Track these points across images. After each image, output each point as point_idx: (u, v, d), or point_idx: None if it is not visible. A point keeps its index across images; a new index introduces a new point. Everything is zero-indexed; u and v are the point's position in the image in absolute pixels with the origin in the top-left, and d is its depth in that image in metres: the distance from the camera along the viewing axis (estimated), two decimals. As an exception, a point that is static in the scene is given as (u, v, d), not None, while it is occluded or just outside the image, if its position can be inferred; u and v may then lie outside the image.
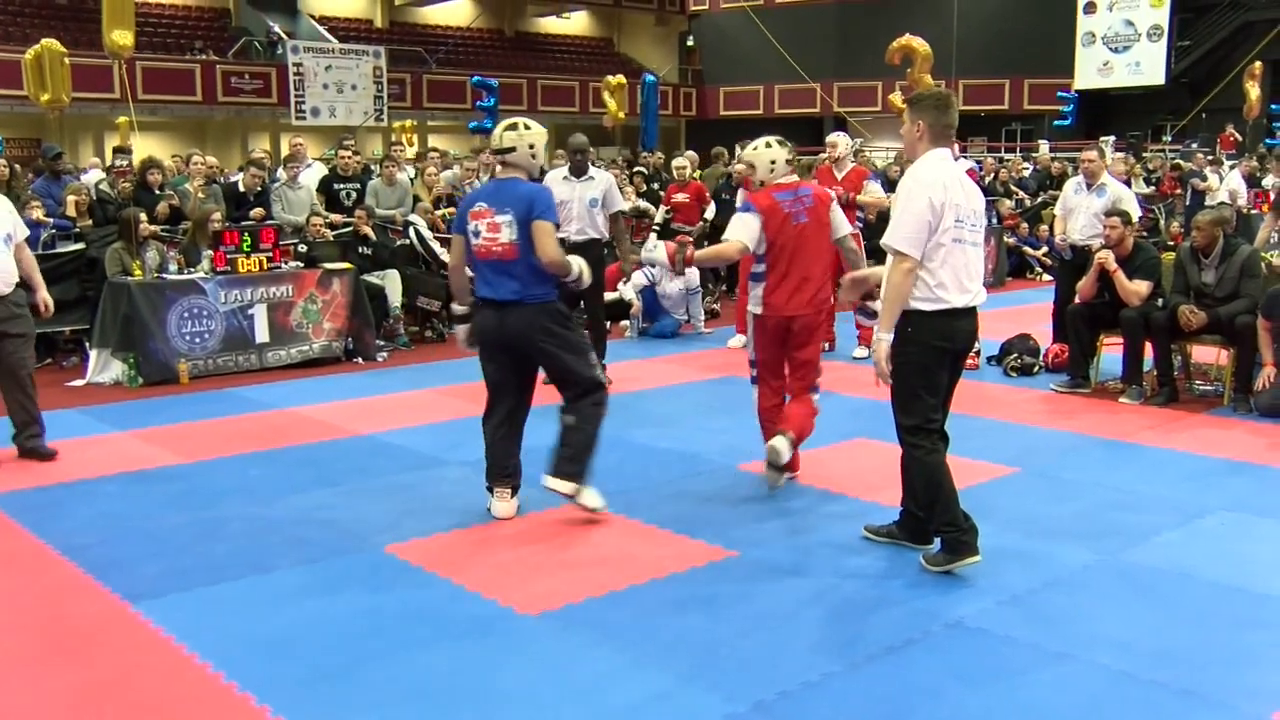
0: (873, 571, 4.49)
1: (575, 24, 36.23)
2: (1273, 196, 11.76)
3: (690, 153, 13.66)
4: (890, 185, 14.09)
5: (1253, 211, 13.80)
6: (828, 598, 4.23)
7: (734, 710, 3.34)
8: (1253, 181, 15.66)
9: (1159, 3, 28.33)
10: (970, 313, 4.42)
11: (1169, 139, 26.22)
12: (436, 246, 10.40)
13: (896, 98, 19.65)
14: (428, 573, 4.51)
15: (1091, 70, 29.04)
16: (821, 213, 5.54)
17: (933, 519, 4.45)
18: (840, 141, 9.51)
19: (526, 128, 5.16)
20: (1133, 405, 7.39)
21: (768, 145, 5.68)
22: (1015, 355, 8.60)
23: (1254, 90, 23.42)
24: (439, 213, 11.26)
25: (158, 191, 10.15)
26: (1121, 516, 5.15)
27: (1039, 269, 15.15)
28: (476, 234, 5.07)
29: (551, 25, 35.77)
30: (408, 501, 5.47)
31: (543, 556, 4.70)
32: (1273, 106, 22.95)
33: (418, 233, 10.35)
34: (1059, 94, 26.79)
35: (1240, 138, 23.09)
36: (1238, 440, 6.51)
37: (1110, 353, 7.96)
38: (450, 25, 32.26)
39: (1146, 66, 28.31)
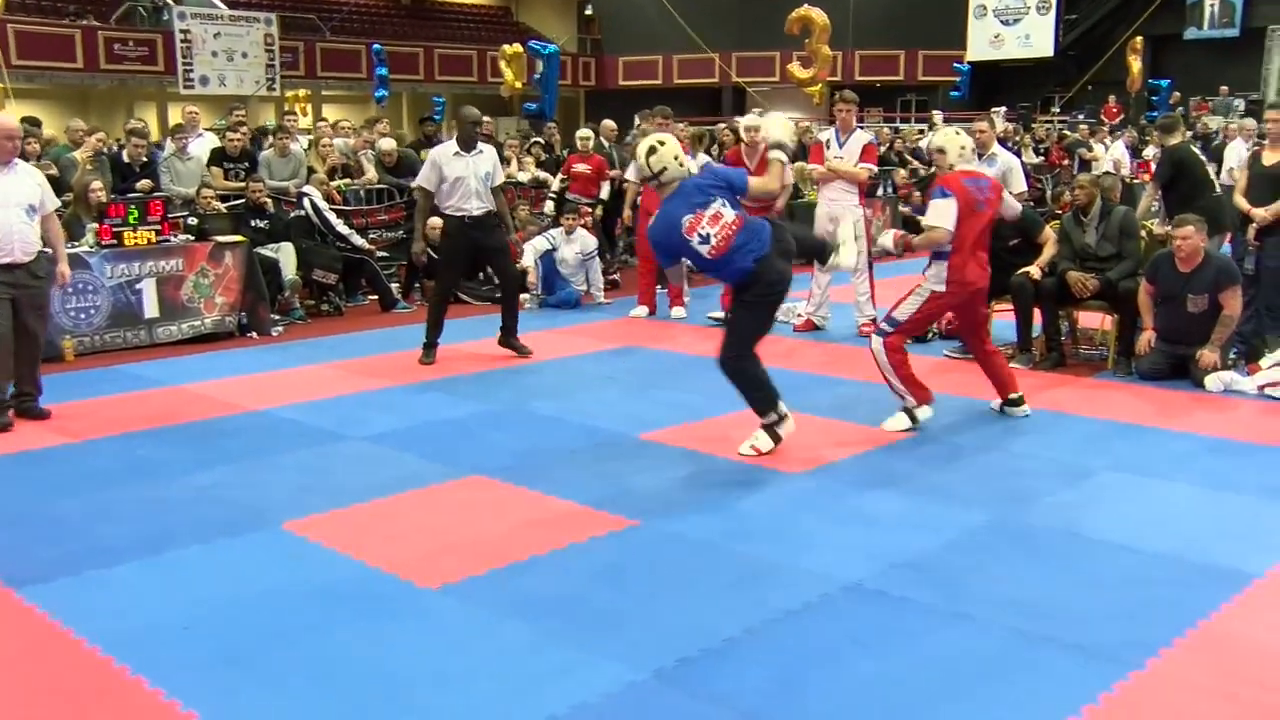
0: (772, 537, 4.55)
1: (472, -8, 35.72)
2: (1153, 166, 12.12)
3: (608, 122, 13.47)
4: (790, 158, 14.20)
5: (1135, 181, 14.24)
6: (728, 564, 4.28)
7: (636, 678, 3.37)
8: (1135, 152, 16.16)
9: (1047, -25, 28.94)
10: None
11: (1057, 110, 26.86)
12: (332, 218, 10.22)
13: (796, 68, 19.77)
14: (327, 549, 4.45)
15: (983, 42, 29.54)
16: (996, 201, 6.17)
17: None
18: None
19: (661, 143, 5.47)
20: (1023, 370, 7.57)
21: (957, 133, 6.30)
22: (910, 323, 8.74)
23: (1135, 64, 24.12)
24: (334, 184, 11.07)
25: (36, 161, 9.79)
26: (1013, 479, 5.30)
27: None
28: (706, 239, 5.34)
29: (448, -7, 35.20)
30: (306, 478, 5.39)
31: (444, 530, 4.68)
32: (1151, 80, 23.65)
33: (313, 204, 10.15)
34: (954, 65, 27.26)
35: (1124, 109, 23.77)
36: (1121, 402, 6.73)
37: (1000, 319, 8.16)
38: (344, -8, 31.57)
39: (1036, 39, 28.88)
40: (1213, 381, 6.92)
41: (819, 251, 6.16)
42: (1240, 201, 7.84)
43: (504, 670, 3.45)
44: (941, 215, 5.96)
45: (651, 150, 5.48)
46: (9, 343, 6.27)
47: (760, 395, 5.64)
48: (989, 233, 6.19)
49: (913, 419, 6.12)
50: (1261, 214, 7.55)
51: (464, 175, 7.78)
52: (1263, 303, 7.60)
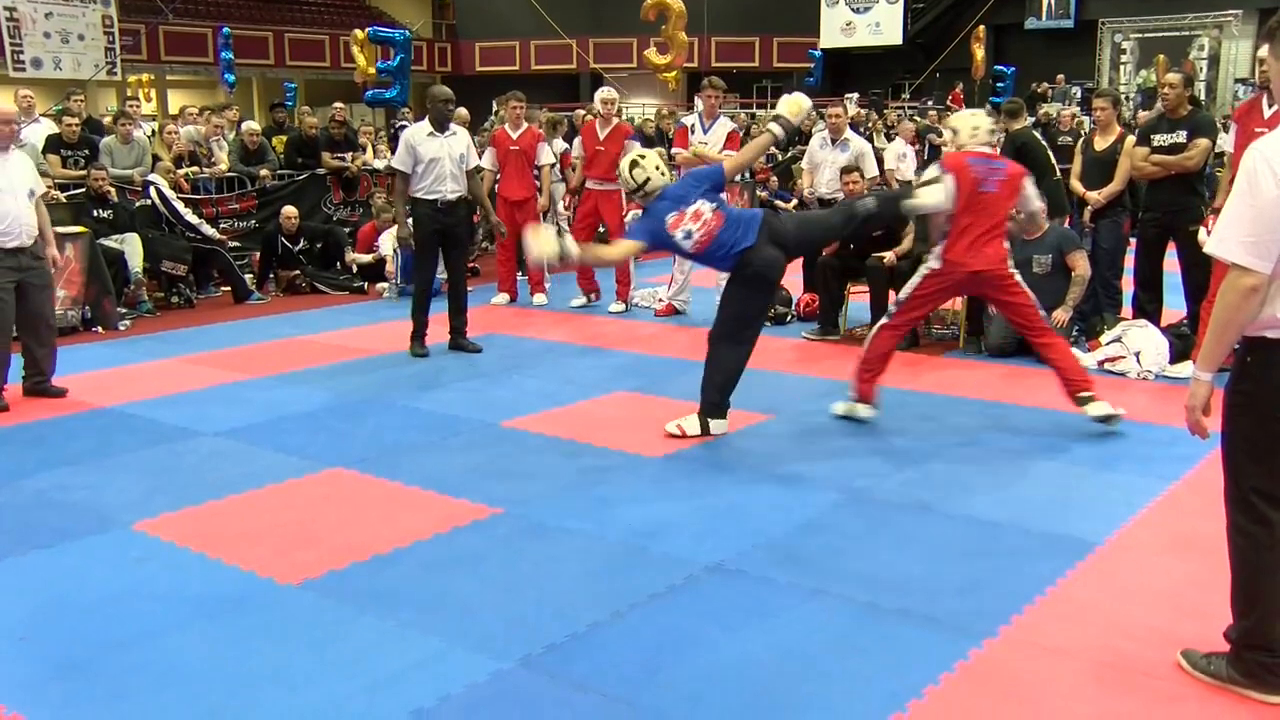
0: (636, 522, 4.57)
1: (323, -26, 34.84)
2: (998, 152, 12.55)
3: (461, 110, 13.26)
4: (647, 142, 14.21)
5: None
6: (592, 550, 4.30)
7: (501, 668, 3.36)
8: (981, 137, 16.65)
9: (896, -35, 29.65)
10: None
11: (907, 96, 27.56)
12: (180, 207, 9.89)
13: (652, 54, 19.85)
14: (180, 549, 4.31)
15: (835, 30, 30.13)
16: (1013, 189, 5.94)
17: (1235, 625, 3.22)
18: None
19: (643, 157, 5.77)
20: (877, 350, 7.78)
21: (973, 114, 6.28)
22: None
23: (979, 52, 24.94)
24: (181, 172, 10.70)
25: None
26: (869, 456, 5.44)
27: (790, 222, 15.66)
28: (689, 235, 5.58)
29: (298, -25, 34.27)
30: (157, 476, 5.20)
31: (304, 525, 4.58)
32: (995, 67, 24.44)
33: (160, 193, 9.80)
34: (808, 52, 27.72)
35: (968, 96, 24.52)
36: (970, 379, 6.97)
37: (857, 301, 8.36)
38: (188, -27, 30.46)
39: (886, 27, 29.60)
40: (1056, 358, 7.20)
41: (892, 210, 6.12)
42: (1075, 185, 8.19)
43: (368, 664, 3.40)
44: (932, 190, 5.92)
45: (634, 164, 5.72)
46: (10, 327, 6.45)
47: (713, 389, 5.74)
48: (999, 217, 5.88)
49: (851, 411, 6.02)
50: (1095, 197, 7.89)
51: (439, 157, 7.54)
52: (1099, 282, 7.95)
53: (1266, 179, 2.87)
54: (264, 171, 11.49)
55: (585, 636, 3.56)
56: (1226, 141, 6.94)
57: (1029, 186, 6.11)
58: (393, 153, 12.80)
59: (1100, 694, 3.22)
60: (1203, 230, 7.02)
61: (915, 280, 6.06)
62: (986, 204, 5.81)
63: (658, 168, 5.74)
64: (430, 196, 7.56)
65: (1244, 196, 2.92)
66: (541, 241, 5.40)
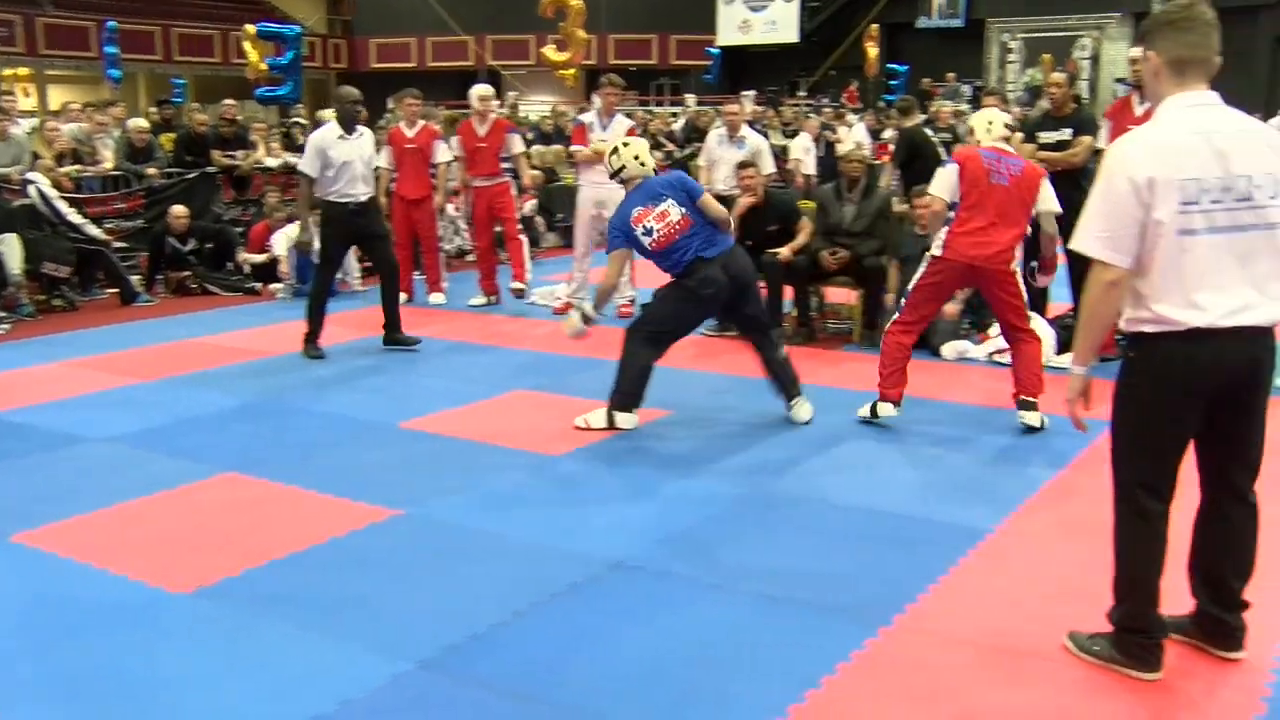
0: (538, 520, 4.57)
1: (212, -32, 34.02)
2: (891, 148, 12.78)
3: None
4: (545, 139, 14.17)
5: (876, 162, 14.96)
6: (494, 550, 4.27)
7: (400, 670, 3.32)
8: (875, 134, 16.99)
9: (791, -36, 29.95)
10: (1219, 336, 3.01)
11: (804, 94, 27.89)
12: (63, 207, 9.57)
13: (550, 51, 19.79)
14: (63, 559, 4.18)
15: (732, 28, 30.36)
16: (1028, 185, 5.79)
17: (1116, 608, 3.33)
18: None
19: (625, 145, 5.98)
20: (775, 345, 7.87)
21: (987, 111, 6.44)
22: (668, 303, 8.92)
23: (873, 50, 25.35)
24: (63, 170, 10.36)
25: None
26: (767, 449, 5.50)
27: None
28: (649, 232, 5.70)
29: (185, -32, 33.41)
30: (39, 485, 5.04)
31: (196, 531, 4.47)
32: (889, 65, 24.87)
33: (41, 192, 9.47)
34: (706, 50, 27.91)
35: (861, 94, 24.93)
36: (866, 372, 7.01)
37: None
38: (69, -36, 29.48)
39: (781, 25, 29.90)
40: (948, 350, 7.38)
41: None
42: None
43: (266, 671, 3.34)
44: (938, 184, 5.89)
45: (614, 151, 5.94)
46: None
47: (624, 383, 5.77)
48: (1009, 214, 5.72)
49: (874, 412, 5.93)
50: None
51: (350, 159, 7.46)
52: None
53: (1119, 176, 2.99)
54: (151, 170, 11.18)
55: (486, 636, 3.54)
56: (1102, 138, 7.14)
57: (1047, 187, 5.94)
58: (287, 151, 12.67)
59: (992, 677, 3.31)
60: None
61: (920, 269, 5.95)
62: (996, 196, 5.71)
63: (636, 157, 5.89)
64: (343, 200, 7.50)
65: (1101, 193, 3.05)
66: (571, 325, 5.97)
